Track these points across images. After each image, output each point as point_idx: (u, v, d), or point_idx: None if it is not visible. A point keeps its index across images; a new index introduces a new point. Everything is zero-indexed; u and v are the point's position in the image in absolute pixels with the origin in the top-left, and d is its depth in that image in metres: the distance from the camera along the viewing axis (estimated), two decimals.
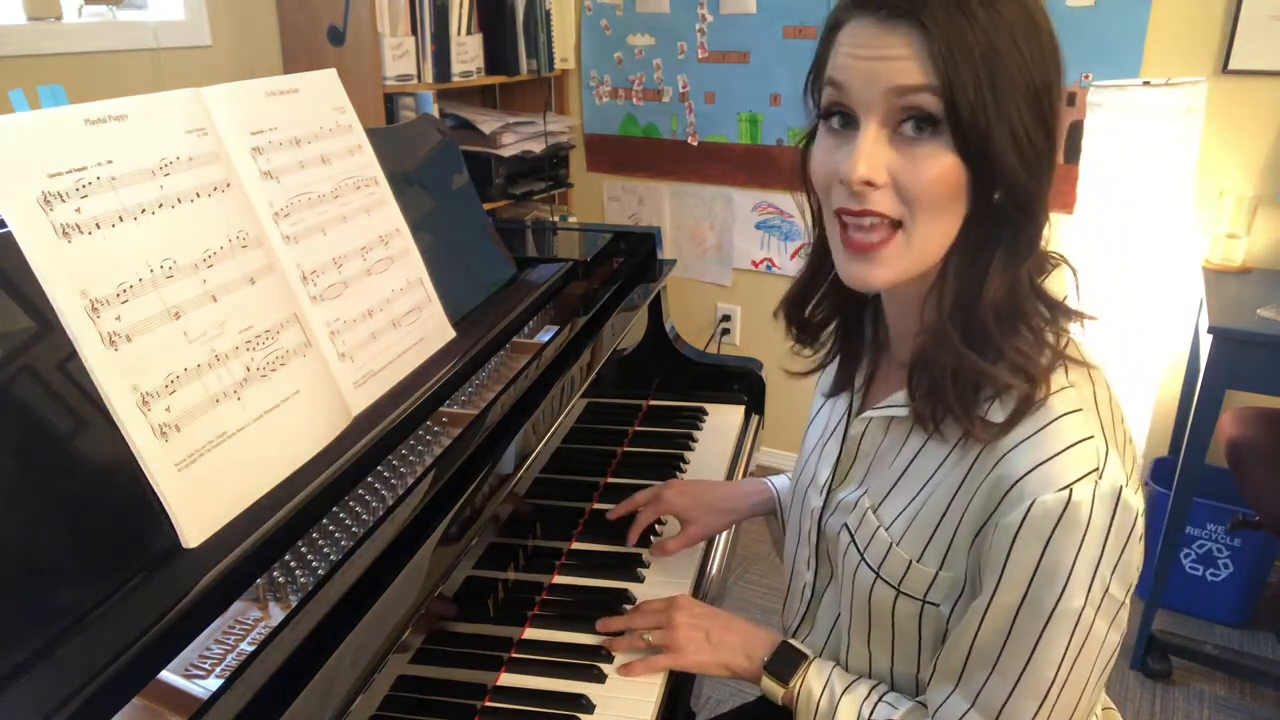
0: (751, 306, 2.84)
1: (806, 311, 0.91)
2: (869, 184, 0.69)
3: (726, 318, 2.88)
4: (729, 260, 2.82)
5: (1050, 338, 0.73)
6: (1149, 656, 2.05)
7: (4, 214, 0.63)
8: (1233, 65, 2.04)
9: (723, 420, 1.51)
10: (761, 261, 2.77)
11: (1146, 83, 1.92)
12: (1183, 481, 1.90)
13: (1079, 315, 0.76)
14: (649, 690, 0.93)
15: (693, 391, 1.57)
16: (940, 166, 0.68)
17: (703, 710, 1.88)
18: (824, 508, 0.90)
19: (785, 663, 0.89)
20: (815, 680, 0.87)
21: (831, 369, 0.95)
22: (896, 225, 0.71)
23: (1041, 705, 0.72)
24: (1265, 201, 2.08)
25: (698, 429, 1.48)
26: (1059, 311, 0.75)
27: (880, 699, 0.83)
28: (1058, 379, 0.73)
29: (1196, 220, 2.11)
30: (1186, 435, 1.88)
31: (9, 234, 0.63)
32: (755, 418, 1.56)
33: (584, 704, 0.91)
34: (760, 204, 2.72)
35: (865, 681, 0.86)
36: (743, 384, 1.57)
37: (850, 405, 0.91)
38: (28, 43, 1.78)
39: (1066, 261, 0.77)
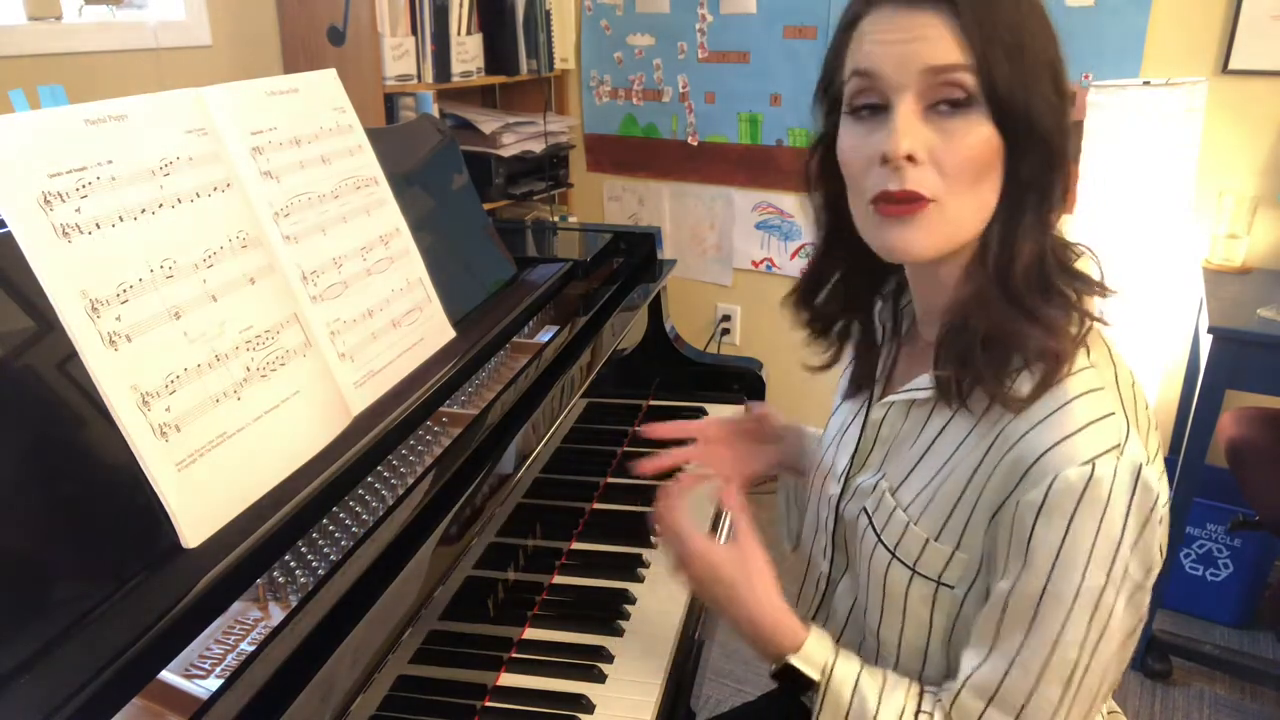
0: (751, 306, 2.84)
1: (818, 299, 0.92)
2: (910, 159, 0.71)
3: (726, 318, 2.88)
4: (729, 260, 2.82)
5: (1079, 310, 0.75)
6: (1149, 656, 2.05)
7: (4, 214, 0.64)
8: (1233, 65, 2.04)
9: None
10: (761, 261, 2.77)
11: (1146, 83, 1.92)
12: (1183, 481, 1.90)
13: (1103, 289, 0.77)
14: (649, 690, 0.94)
15: (693, 391, 1.57)
16: (978, 138, 0.71)
17: (703, 710, 1.88)
18: (842, 494, 0.90)
19: (790, 680, 0.83)
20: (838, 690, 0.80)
21: (849, 374, 0.95)
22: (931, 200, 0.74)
23: (1066, 690, 0.71)
24: (1265, 201, 2.08)
25: None
26: (1085, 283, 0.76)
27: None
28: (1079, 360, 0.73)
29: (1196, 220, 2.11)
30: (1186, 435, 1.88)
31: (9, 234, 0.64)
32: None
33: (584, 704, 0.91)
34: (760, 204, 2.72)
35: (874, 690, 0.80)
36: (743, 384, 1.57)
37: (871, 395, 0.91)
38: (28, 43, 1.78)
39: (1089, 251, 0.79)
